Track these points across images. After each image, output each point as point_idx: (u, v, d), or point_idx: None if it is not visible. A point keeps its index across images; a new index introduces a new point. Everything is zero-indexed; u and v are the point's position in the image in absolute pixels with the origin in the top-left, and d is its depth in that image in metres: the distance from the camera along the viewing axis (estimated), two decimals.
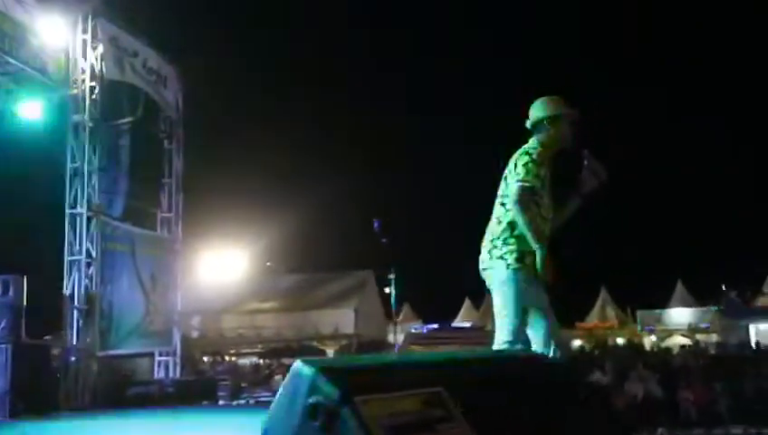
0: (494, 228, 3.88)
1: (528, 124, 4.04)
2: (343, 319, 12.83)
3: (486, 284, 3.91)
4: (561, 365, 2.00)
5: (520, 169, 3.76)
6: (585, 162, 3.98)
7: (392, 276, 5.71)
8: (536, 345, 3.74)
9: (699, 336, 26.79)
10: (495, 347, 3.66)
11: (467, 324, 30.13)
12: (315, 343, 17.73)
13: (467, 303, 35.36)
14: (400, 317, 32.61)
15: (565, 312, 33.38)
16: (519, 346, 3.61)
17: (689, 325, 29.45)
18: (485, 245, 3.90)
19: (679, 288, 32.18)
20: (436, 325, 28.17)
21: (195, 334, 15.26)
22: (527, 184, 3.70)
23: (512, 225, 3.79)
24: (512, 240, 3.78)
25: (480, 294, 35.74)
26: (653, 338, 29.07)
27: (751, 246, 34.97)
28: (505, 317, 3.70)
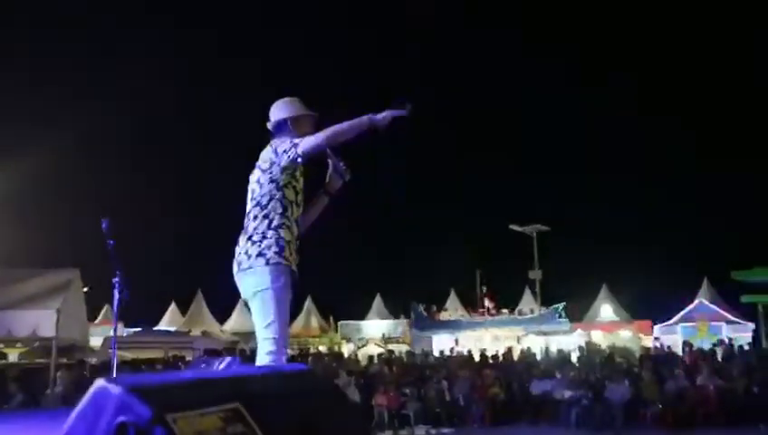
0: (252, 225, 3.70)
1: (270, 126, 3.96)
2: (43, 320, 11.54)
3: (242, 290, 3.68)
4: (320, 375, 2.13)
5: (285, 143, 3.71)
6: (330, 162, 3.99)
7: (117, 280, 5.35)
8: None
9: (392, 346, 29.03)
10: (260, 360, 3.42)
11: (172, 329, 29.34)
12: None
13: (173, 307, 34.38)
14: (98, 319, 30.55)
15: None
16: (286, 357, 3.45)
17: (383, 335, 31.81)
18: (241, 246, 3.70)
19: (377, 302, 34.76)
20: (139, 329, 26.99)
21: None
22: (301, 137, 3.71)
23: (269, 219, 3.67)
24: (270, 233, 3.64)
25: (187, 299, 35.12)
26: (351, 347, 30.85)
27: (437, 267, 39.14)
28: (271, 325, 3.50)
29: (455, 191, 52.20)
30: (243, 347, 26.95)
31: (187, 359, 20.19)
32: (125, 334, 26.14)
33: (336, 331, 33.59)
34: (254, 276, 3.58)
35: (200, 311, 32.62)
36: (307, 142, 3.66)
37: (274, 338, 3.49)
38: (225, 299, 34.94)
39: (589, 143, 53.56)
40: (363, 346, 30.74)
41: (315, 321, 34.29)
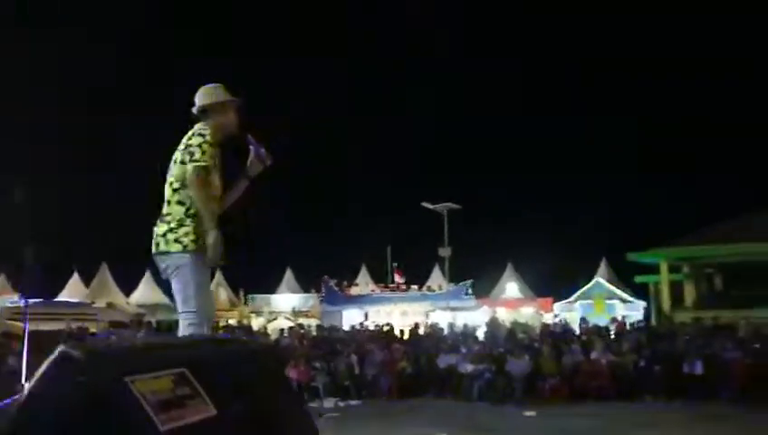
0: (168, 211, 3.88)
1: (195, 111, 4.12)
2: None
3: (161, 268, 3.87)
4: (255, 343, 2.27)
5: (195, 150, 3.82)
6: (251, 148, 4.17)
7: (29, 249, 5.26)
8: None
9: (302, 320, 29.17)
10: (182, 331, 3.64)
11: (75, 300, 28.42)
12: None
13: (75, 278, 33.29)
14: None
15: None
16: (206, 328, 3.65)
17: (293, 309, 31.89)
18: (160, 228, 3.88)
19: (288, 275, 34.77)
20: (39, 299, 25.97)
21: None
22: (203, 164, 3.79)
23: (186, 205, 3.84)
24: (188, 221, 3.81)
25: (91, 270, 33.97)
26: (261, 320, 30.78)
27: (348, 242, 39.50)
28: (190, 300, 3.70)
29: (368, 166, 52.58)
30: (150, 320, 26.46)
31: (92, 331, 19.69)
32: (23, 304, 25.12)
33: (245, 304, 33.41)
34: (172, 257, 3.79)
35: (105, 282, 31.73)
36: (194, 186, 3.76)
37: (195, 312, 3.69)
38: (131, 270, 34.10)
39: (500, 125, 54.97)
40: (273, 320, 30.72)
41: (224, 294, 33.98)
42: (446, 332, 20.77)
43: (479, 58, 54.89)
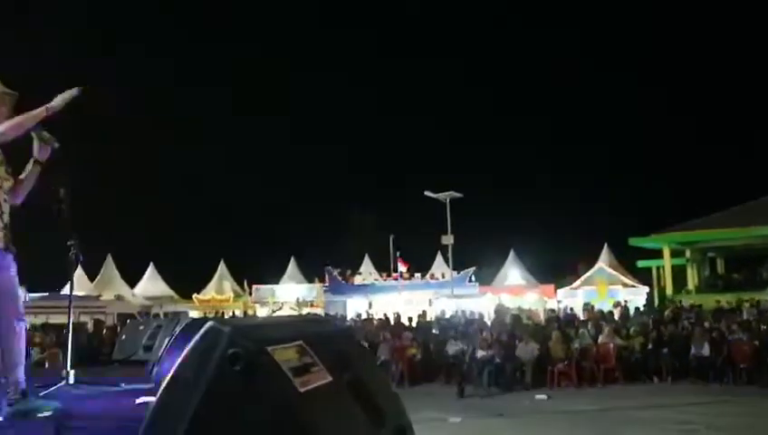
0: None
1: None
2: None
3: None
4: (340, 322, 2.46)
5: None
6: (33, 134, 3.93)
7: (72, 242, 5.31)
8: None
9: (306, 309, 29.39)
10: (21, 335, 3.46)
11: (82, 294, 28.60)
12: None
13: (80, 271, 33.41)
14: None
15: (183, 284, 33.77)
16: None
17: (297, 299, 32.14)
18: None
19: (291, 265, 34.99)
20: (45, 294, 26.20)
21: None
22: None
23: None
24: None
25: (94, 263, 34.10)
26: (266, 310, 31.03)
27: (351, 232, 39.67)
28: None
29: (370, 157, 52.85)
30: (157, 312, 26.69)
31: (107, 324, 19.91)
32: (27, 298, 25.31)
33: (250, 295, 33.65)
34: None
35: (111, 275, 31.89)
36: None
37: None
38: (134, 263, 34.30)
39: (499, 112, 55.09)
40: (278, 310, 30.95)
41: (228, 285, 34.23)
42: (455, 319, 20.98)
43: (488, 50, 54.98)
